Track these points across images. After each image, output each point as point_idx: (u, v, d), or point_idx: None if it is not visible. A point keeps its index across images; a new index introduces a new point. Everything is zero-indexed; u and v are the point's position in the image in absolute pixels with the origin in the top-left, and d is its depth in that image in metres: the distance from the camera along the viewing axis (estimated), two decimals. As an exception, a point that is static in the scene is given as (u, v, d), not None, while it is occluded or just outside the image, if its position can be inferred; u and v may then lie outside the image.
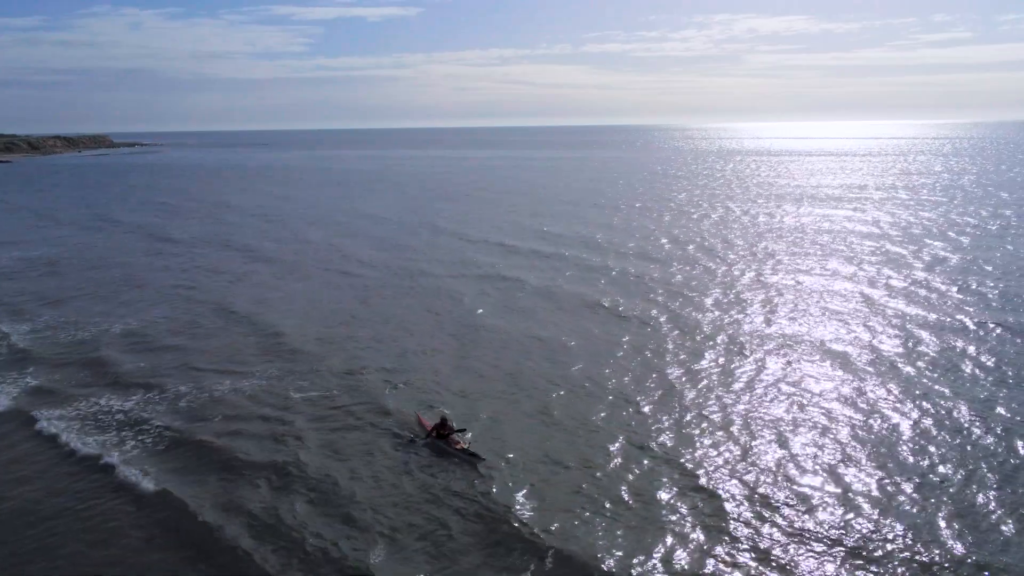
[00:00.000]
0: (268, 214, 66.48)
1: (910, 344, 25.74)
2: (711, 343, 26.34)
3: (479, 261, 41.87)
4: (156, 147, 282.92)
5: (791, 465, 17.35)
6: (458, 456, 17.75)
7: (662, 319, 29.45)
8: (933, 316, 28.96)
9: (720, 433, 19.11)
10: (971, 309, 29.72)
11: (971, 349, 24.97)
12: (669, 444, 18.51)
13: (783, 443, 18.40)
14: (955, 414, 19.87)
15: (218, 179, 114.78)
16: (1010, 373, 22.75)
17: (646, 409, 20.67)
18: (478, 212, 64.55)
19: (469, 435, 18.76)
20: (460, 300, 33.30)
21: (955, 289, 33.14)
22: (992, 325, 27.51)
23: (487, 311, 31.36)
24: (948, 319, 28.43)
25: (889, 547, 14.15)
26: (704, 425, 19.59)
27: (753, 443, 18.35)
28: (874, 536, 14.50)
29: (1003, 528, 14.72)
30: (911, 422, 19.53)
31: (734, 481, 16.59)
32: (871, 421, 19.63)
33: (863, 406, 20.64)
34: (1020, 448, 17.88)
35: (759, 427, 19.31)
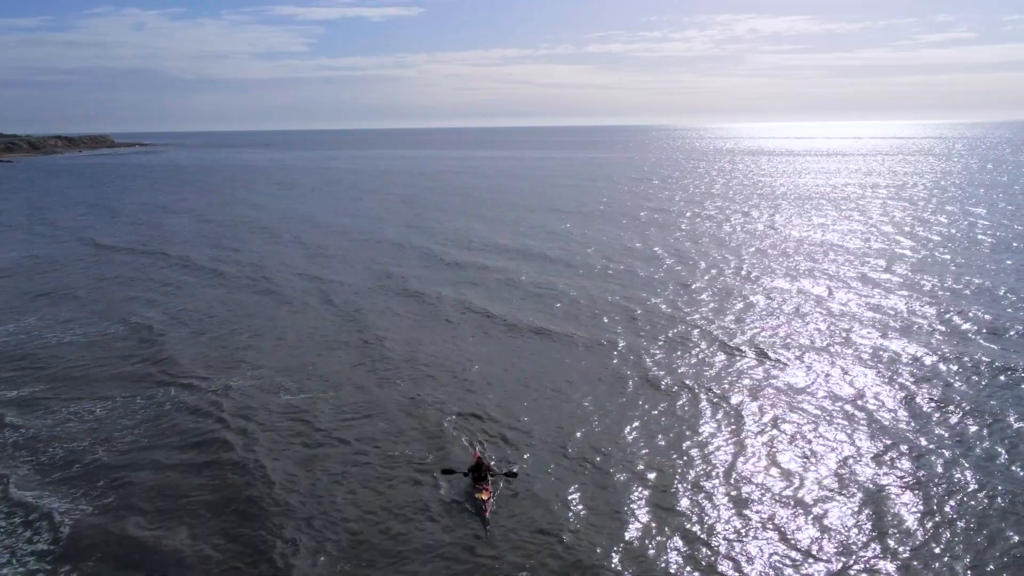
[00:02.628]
0: (224, 220, 64.20)
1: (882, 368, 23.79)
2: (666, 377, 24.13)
3: (412, 277, 38.69)
4: (156, 147, 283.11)
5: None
6: (471, 504, 15.69)
7: (583, 345, 26.78)
8: (907, 340, 27.07)
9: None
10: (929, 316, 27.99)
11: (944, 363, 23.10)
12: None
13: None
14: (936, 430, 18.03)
15: (199, 181, 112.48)
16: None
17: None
18: (444, 221, 60.65)
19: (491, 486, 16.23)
20: (379, 320, 30.60)
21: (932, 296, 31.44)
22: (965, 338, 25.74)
23: (404, 334, 28.60)
24: (921, 331, 26.66)
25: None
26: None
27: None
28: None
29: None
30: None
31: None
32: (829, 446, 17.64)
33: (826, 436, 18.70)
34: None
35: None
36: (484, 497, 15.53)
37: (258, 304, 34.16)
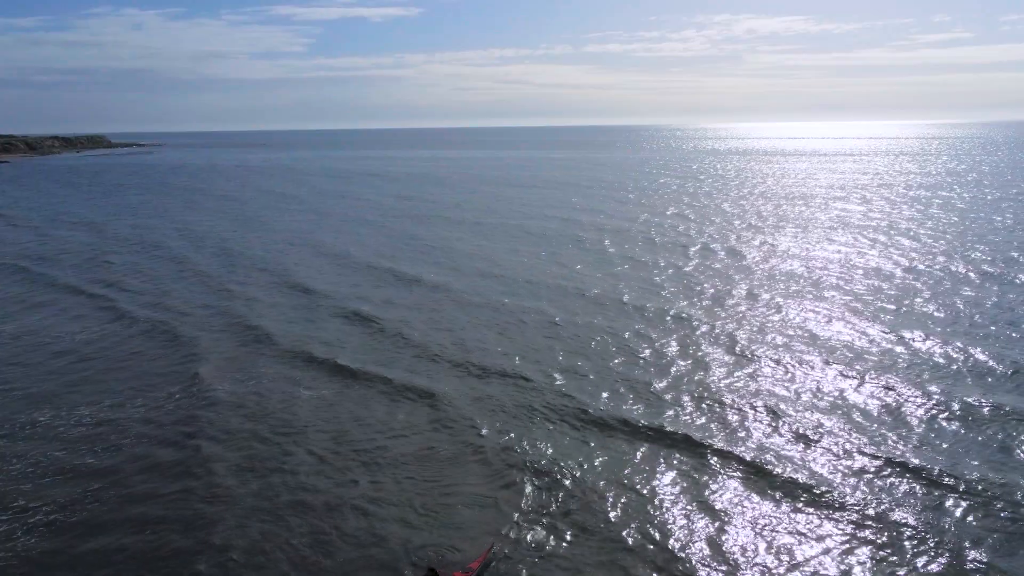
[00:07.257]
0: (120, 231, 57.44)
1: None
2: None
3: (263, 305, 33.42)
4: (152, 148, 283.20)
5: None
6: None
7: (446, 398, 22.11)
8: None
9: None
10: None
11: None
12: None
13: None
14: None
15: (169, 183, 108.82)
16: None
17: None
18: (374, 240, 51.18)
19: None
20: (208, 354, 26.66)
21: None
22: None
23: (220, 374, 24.29)
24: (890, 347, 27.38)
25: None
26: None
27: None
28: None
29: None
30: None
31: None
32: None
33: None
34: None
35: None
36: None
37: (96, 329, 30.49)
